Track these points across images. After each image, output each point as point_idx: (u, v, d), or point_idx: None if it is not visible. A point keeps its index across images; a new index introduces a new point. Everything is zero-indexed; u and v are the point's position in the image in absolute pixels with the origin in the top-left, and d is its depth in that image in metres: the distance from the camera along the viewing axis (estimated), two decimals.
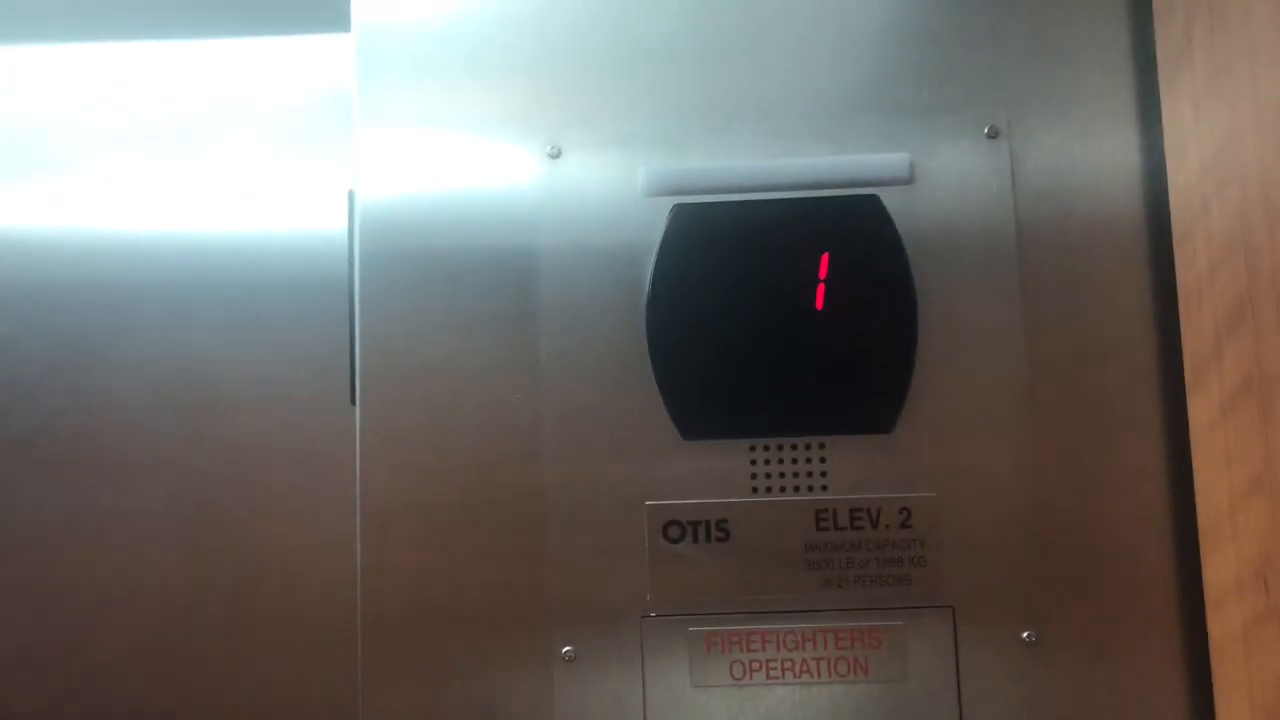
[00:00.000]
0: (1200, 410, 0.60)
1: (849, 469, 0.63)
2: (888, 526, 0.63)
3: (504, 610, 0.63)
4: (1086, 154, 0.65)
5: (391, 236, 0.66)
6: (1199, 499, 0.60)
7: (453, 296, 0.65)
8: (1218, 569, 0.59)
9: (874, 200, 0.64)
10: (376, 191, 0.66)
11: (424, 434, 0.64)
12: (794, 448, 0.64)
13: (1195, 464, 0.60)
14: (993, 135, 0.65)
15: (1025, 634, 0.62)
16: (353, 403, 0.65)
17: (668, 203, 0.65)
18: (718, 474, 0.64)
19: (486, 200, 0.66)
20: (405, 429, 0.64)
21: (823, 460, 0.64)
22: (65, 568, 0.71)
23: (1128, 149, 0.65)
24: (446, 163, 0.66)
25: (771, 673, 0.62)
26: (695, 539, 0.63)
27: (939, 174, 0.65)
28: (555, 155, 0.66)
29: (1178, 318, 0.62)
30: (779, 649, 0.62)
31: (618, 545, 0.63)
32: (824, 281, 0.64)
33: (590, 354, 0.64)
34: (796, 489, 0.63)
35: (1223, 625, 0.58)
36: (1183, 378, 0.61)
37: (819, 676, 0.62)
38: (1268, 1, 0.51)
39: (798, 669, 0.62)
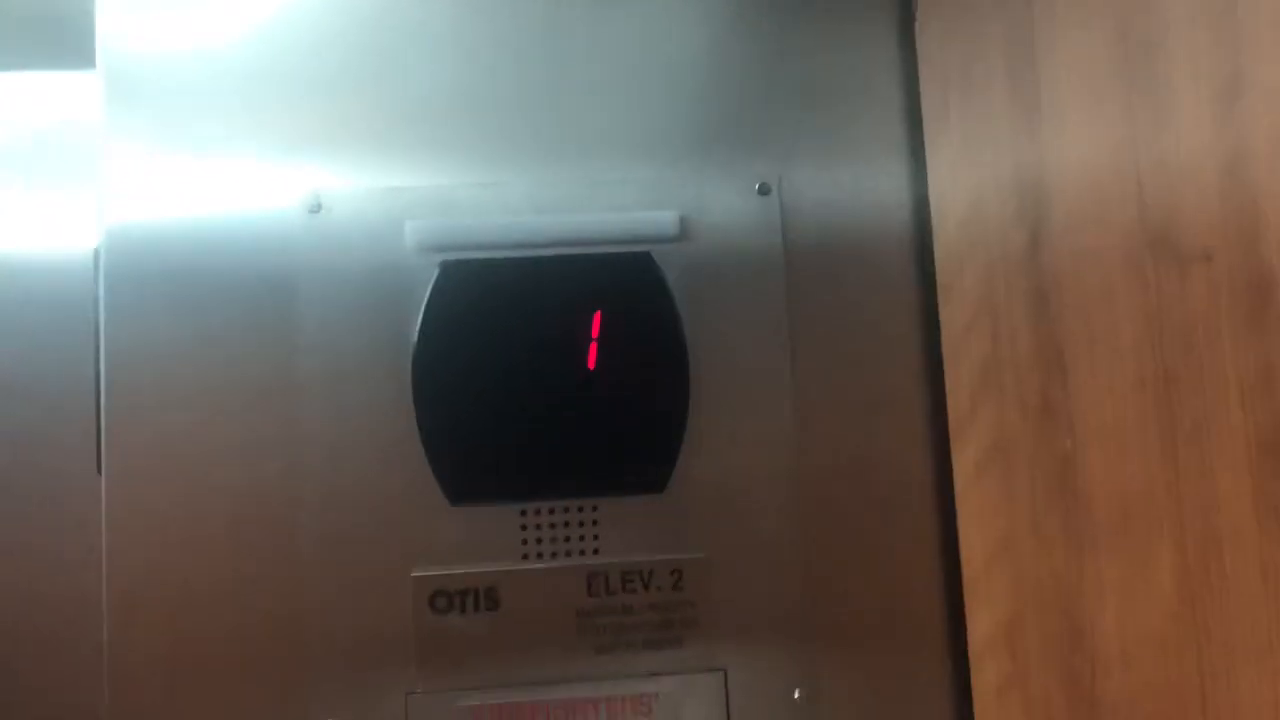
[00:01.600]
0: (961, 469, 0.61)
1: (620, 531, 0.62)
2: (659, 589, 0.62)
3: (263, 691, 0.60)
4: (857, 208, 0.65)
5: (141, 294, 0.62)
6: (963, 556, 0.61)
7: (206, 358, 0.62)
8: (978, 625, 0.59)
9: (645, 258, 0.63)
10: (125, 246, 0.62)
11: (173, 505, 0.61)
12: (565, 510, 0.62)
13: (959, 521, 0.61)
14: (764, 191, 0.65)
15: (796, 692, 0.62)
16: (99, 472, 0.61)
17: (436, 259, 0.63)
18: (487, 540, 0.62)
19: (244, 255, 0.63)
20: (153, 500, 0.61)
21: (595, 523, 0.62)
22: None
23: (898, 204, 0.65)
24: (199, 216, 0.63)
25: None
26: (463, 609, 0.61)
27: (711, 230, 0.64)
28: (316, 209, 0.63)
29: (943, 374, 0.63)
30: (550, 719, 0.61)
31: (382, 618, 0.61)
32: (596, 340, 0.63)
33: (353, 416, 0.62)
34: (568, 553, 0.62)
35: (982, 681, 0.59)
36: (948, 433, 0.62)
37: None
38: (1004, 80, 0.52)
39: None
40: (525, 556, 0.62)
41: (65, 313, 0.71)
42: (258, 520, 0.61)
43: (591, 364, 0.62)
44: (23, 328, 0.73)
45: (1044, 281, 0.48)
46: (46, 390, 0.72)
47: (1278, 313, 0.31)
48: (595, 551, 0.62)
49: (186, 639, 0.60)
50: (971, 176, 0.58)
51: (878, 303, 0.65)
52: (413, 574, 0.61)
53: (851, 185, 0.65)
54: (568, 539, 0.62)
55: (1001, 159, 0.53)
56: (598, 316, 0.63)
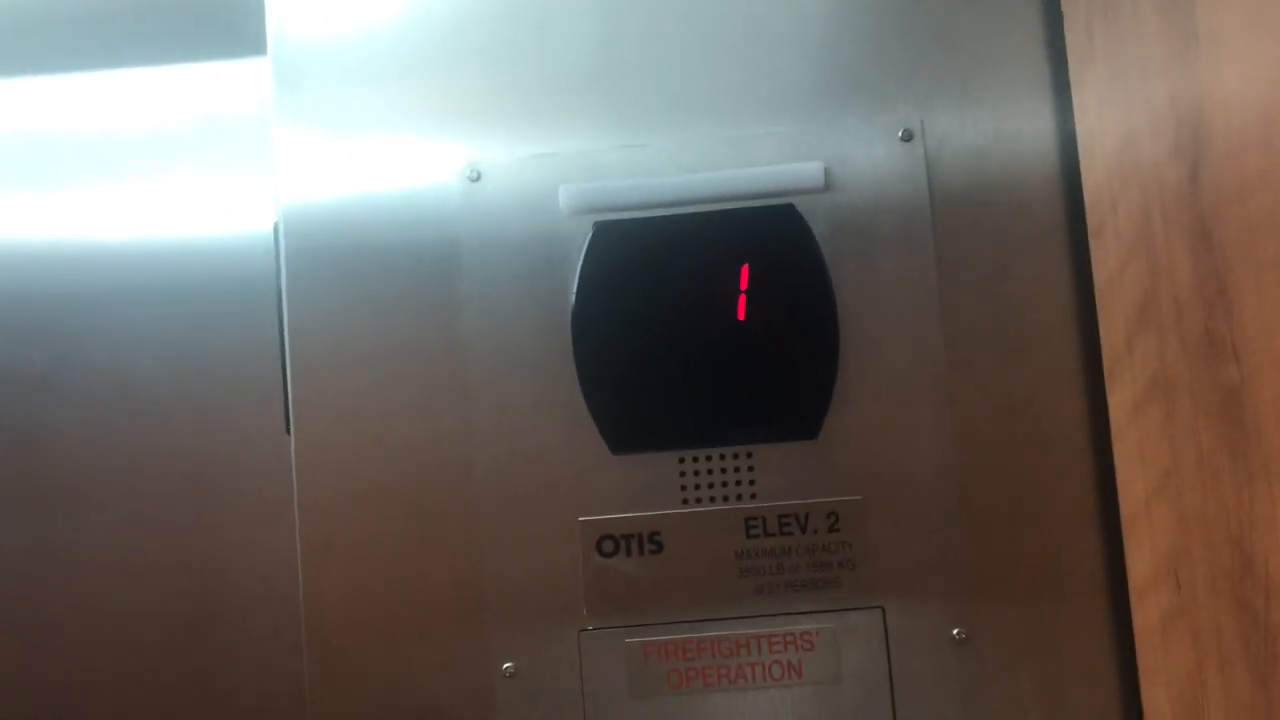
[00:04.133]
0: (1118, 407, 0.60)
1: (776, 476, 0.64)
2: (816, 531, 0.64)
3: (443, 629, 0.64)
4: (1002, 152, 0.65)
5: (317, 268, 0.66)
6: (1120, 494, 0.61)
7: (380, 324, 0.66)
8: (1138, 563, 0.59)
9: (790, 210, 0.65)
10: (301, 225, 0.67)
11: (358, 461, 0.65)
12: (722, 458, 0.65)
13: (1116, 459, 0.61)
14: (907, 138, 0.65)
15: (955, 631, 0.63)
16: (288, 433, 0.66)
17: (588, 221, 0.66)
18: (648, 487, 0.65)
19: (409, 227, 0.66)
20: (340, 457, 0.65)
21: (750, 469, 0.64)
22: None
23: (1043, 146, 0.65)
24: (368, 192, 0.67)
25: (708, 680, 0.64)
26: (628, 552, 0.64)
27: (854, 179, 0.65)
28: (475, 179, 0.66)
29: (1096, 313, 0.63)
30: (714, 656, 0.64)
31: (553, 561, 0.64)
32: (744, 292, 0.65)
33: (518, 374, 0.65)
34: (726, 498, 0.64)
35: (1144, 617, 0.59)
36: (1102, 372, 0.62)
37: (754, 681, 0.64)
38: (1154, 8, 0.51)
39: (733, 675, 0.64)
40: (685, 501, 0.64)
41: (245, 289, 0.76)
42: (434, 474, 0.65)
43: (742, 315, 0.64)
44: (206, 306, 0.78)
45: (1204, 214, 0.48)
46: (231, 362, 0.77)
47: None
48: (752, 496, 0.64)
49: (375, 586, 0.65)
50: (1121, 112, 0.57)
51: (1026, 244, 0.65)
52: (579, 519, 0.64)
53: (995, 127, 0.65)
54: (725, 484, 0.64)
55: (1154, 92, 0.53)
56: (746, 269, 0.65)
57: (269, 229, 0.68)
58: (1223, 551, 0.49)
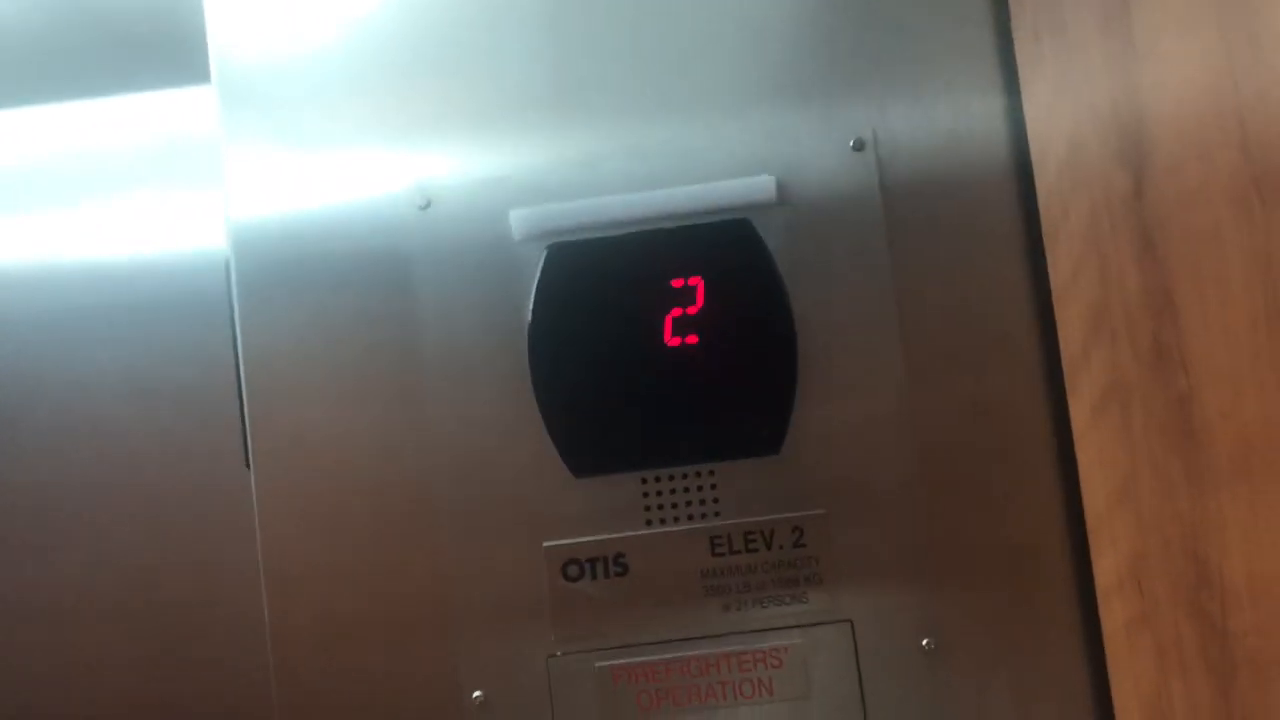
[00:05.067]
0: (1078, 412, 0.60)
1: (740, 493, 0.64)
2: (781, 546, 0.64)
3: (411, 657, 0.64)
4: (955, 157, 0.65)
5: (269, 288, 0.66)
6: (1085, 498, 0.61)
7: (336, 346, 0.65)
8: (1103, 568, 0.59)
9: (744, 224, 0.64)
10: (252, 246, 0.66)
11: (319, 490, 0.65)
12: (684, 476, 0.64)
13: (1079, 465, 0.61)
14: (858, 148, 0.65)
15: (925, 641, 0.63)
16: (247, 466, 0.65)
17: (542, 243, 0.65)
18: (611, 509, 0.64)
19: (360, 256, 0.66)
20: (300, 486, 0.65)
21: (713, 487, 0.64)
22: None
23: (996, 150, 0.65)
24: (319, 210, 0.66)
25: (679, 700, 0.63)
26: (594, 576, 0.64)
27: (807, 191, 0.65)
28: (424, 206, 0.66)
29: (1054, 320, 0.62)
30: (684, 676, 0.63)
31: (518, 587, 0.64)
32: (701, 309, 0.64)
33: (476, 398, 0.65)
34: (690, 517, 0.64)
35: (1111, 621, 0.59)
36: (1063, 378, 0.62)
37: (725, 700, 0.63)
38: (1095, 14, 0.51)
39: (704, 694, 0.63)
40: (649, 522, 0.64)
41: (201, 307, 0.75)
42: (396, 500, 0.65)
43: (698, 333, 0.64)
44: (161, 329, 0.77)
45: (1149, 223, 0.48)
46: (192, 381, 0.76)
47: None
48: (716, 514, 0.64)
49: (341, 614, 0.64)
50: (1069, 117, 0.57)
51: (983, 249, 0.64)
52: (544, 544, 0.64)
53: (948, 129, 0.65)
54: (689, 503, 0.64)
55: (1098, 98, 0.53)
56: (701, 286, 0.64)
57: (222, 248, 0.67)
58: (1179, 559, 0.49)
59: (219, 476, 0.72)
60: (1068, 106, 0.57)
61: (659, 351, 0.64)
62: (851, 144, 0.65)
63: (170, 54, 0.74)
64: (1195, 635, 0.49)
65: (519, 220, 0.65)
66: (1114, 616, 0.59)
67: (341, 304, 0.66)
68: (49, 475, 0.73)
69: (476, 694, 0.63)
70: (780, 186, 0.65)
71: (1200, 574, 0.47)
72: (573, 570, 0.64)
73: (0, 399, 0.74)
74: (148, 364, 0.74)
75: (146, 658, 0.71)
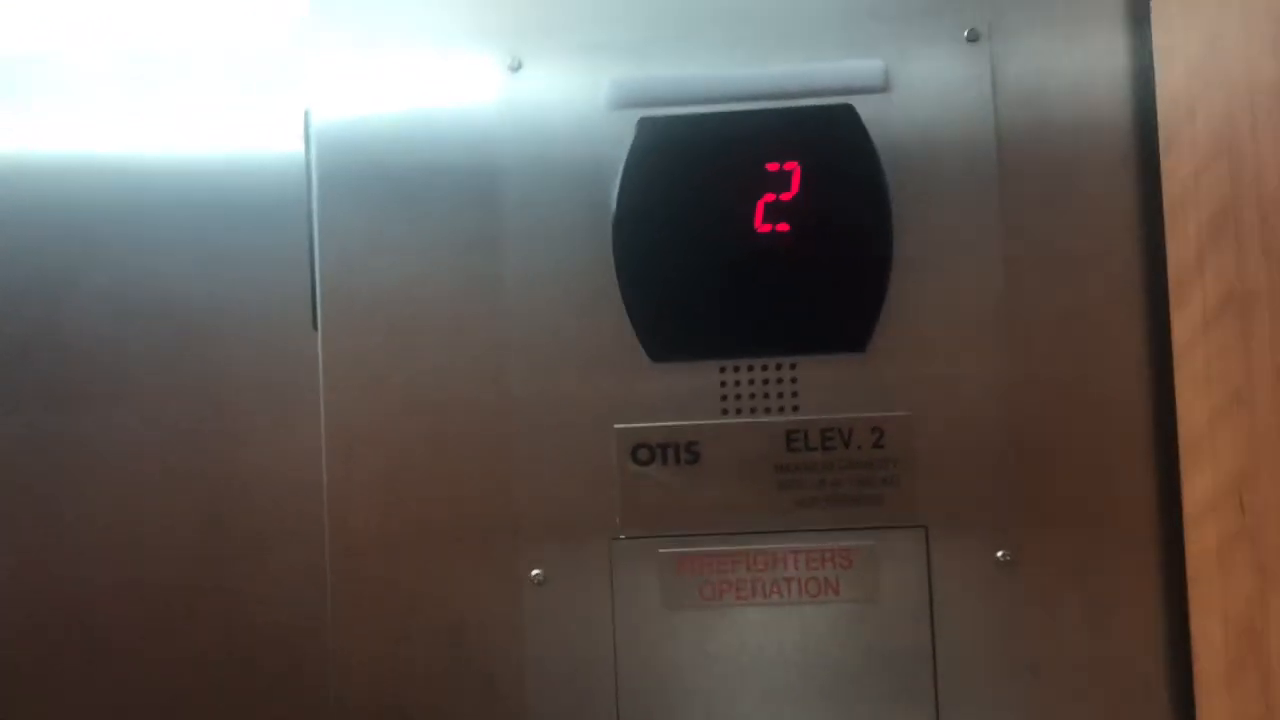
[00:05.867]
0: (1182, 325, 0.58)
1: (820, 389, 0.62)
2: (860, 447, 0.62)
3: (471, 534, 0.62)
4: (1071, 58, 0.62)
5: (349, 157, 0.64)
6: (1180, 416, 0.58)
7: (413, 217, 0.63)
8: (1196, 487, 0.57)
9: (848, 109, 0.62)
10: (332, 111, 0.64)
11: (387, 357, 0.63)
12: (764, 368, 0.62)
13: (1177, 380, 0.59)
14: (973, 39, 0.62)
15: (1000, 553, 0.61)
16: (314, 328, 0.64)
17: (634, 116, 0.63)
18: (687, 396, 0.62)
19: (445, 117, 0.64)
20: (368, 352, 0.63)
21: (794, 380, 0.62)
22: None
23: (1114, 52, 0.62)
24: (402, 79, 0.64)
25: (741, 593, 0.62)
26: (665, 461, 0.62)
27: (916, 81, 0.62)
28: (515, 68, 0.63)
29: (1163, 229, 0.60)
30: (749, 570, 0.62)
31: (586, 468, 0.62)
32: (795, 197, 0.62)
33: (556, 275, 0.63)
34: (768, 410, 0.62)
35: (1200, 543, 0.57)
36: (1166, 292, 0.59)
37: (789, 596, 0.62)
38: None
39: (767, 589, 0.62)
40: (725, 412, 0.62)
41: (278, 193, 0.73)
42: (465, 376, 0.63)
43: (791, 222, 0.62)
44: (236, 214, 0.74)
45: None
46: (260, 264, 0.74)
47: None
48: (795, 409, 0.62)
49: (402, 486, 0.63)
50: (1209, 12, 0.54)
51: (1092, 157, 0.62)
52: (615, 427, 0.62)
53: (1066, 32, 0.62)
54: (767, 396, 0.62)
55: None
56: (798, 172, 0.62)
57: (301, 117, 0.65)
58: None
59: (282, 353, 0.70)
60: (1207, 3, 0.54)
61: (748, 237, 0.62)
62: (966, 34, 0.62)
63: None
64: None
65: (612, 87, 0.62)
66: (1204, 538, 0.57)
67: (423, 169, 0.63)
68: (110, 331, 0.71)
69: (536, 572, 0.62)
70: (888, 72, 0.62)
71: None
72: (643, 454, 0.62)
73: (60, 262, 0.72)
74: (216, 228, 0.72)
75: (195, 527, 0.70)
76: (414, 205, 0.63)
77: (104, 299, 0.72)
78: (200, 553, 0.70)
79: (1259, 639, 0.51)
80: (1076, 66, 0.62)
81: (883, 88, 0.62)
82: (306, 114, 0.64)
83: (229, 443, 0.71)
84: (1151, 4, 0.60)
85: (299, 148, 0.65)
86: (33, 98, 0.73)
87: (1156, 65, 0.60)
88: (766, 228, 0.62)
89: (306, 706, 0.68)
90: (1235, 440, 0.53)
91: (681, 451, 0.62)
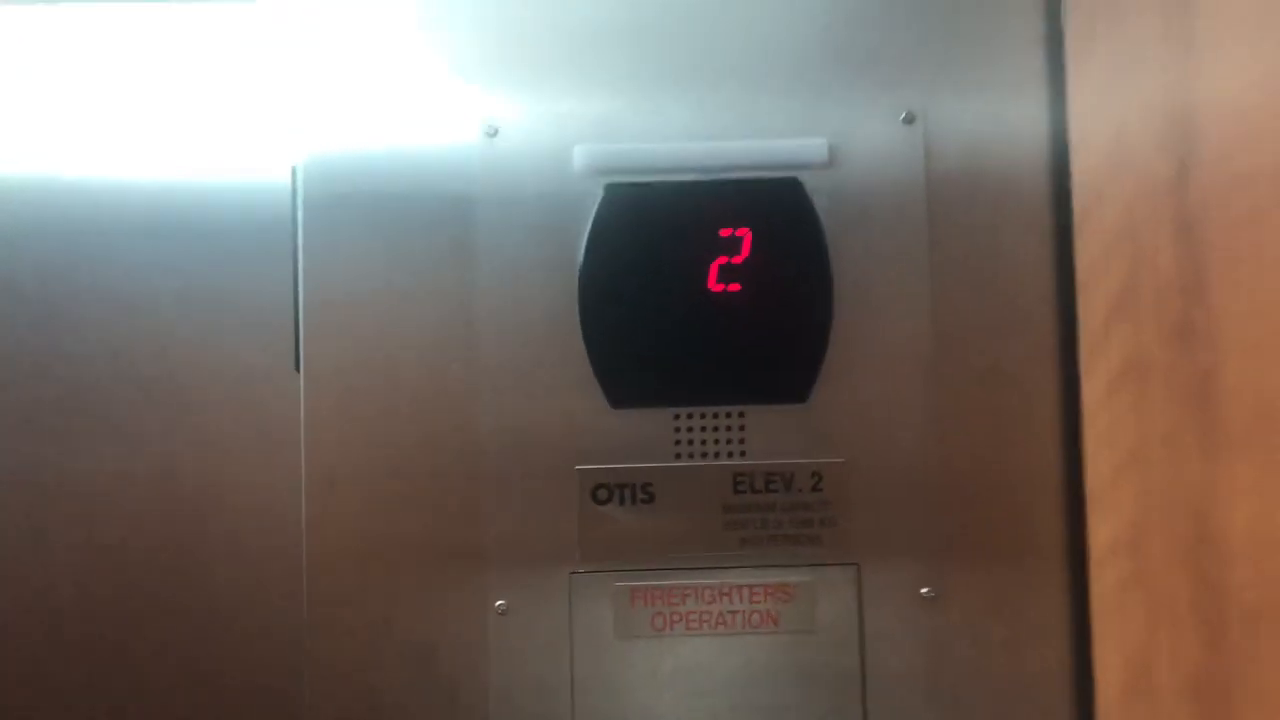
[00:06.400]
0: (1091, 389, 0.64)
1: (765, 436, 0.68)
2: (800, 490, 0.67)
3: (442, 567, 0.67)
4: (998, 141, 0.69)
5: (335, 211, 0.68)
6: (1088, 469, 0.65)
7: (394, 269, 0.68)
8: (1100, 532, 0.64)
9: (794, 183, 0.68)
10: (319, 169, 0.69)
11: (366, 399, 0.68)
12: (715, 416, 0.68)
13: (1085, 438, 0.65)
14: (908, 121, 0.68)
15: (924, 590, 0.67)
16: (296, 369, 0.68)
17: (601, 181, 0.68)
18: (644, 440, 0.68)
19: (426, 176, 0.69)
20: (348, 394, 0.68)
21: (741, 428, 0.68)
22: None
23: (1036, 135, 0.69)
24: (387, 141, 0.69)
25: (690, 624, 0.67)
26: (622, 501, 0.67)
27: (857, 157, 0.68)
28: (492, 134, 0.68)
29: (1076, 300, 0.66)
30: (697, 602, 0.67)
31: (549, 506, 0.67)
32: (746, 260, 0.68)
33: (525, 326, 0.68)
34: (717, 454, 0.68)
35: (1102, 584, 0.63)
36: (1077, 356, 0.66)
37: (734, 628, 0.67)
38: (1157, 9, 0.55)
39: (714, 621, 0.67)
40: (678, 456, 0.68)
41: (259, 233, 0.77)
42: (439, 417, 0.68)
43: (742, 283, 0.67)
44: (219, 245, 0.79)
45: (1190, 208, 0.52)
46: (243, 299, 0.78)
47: None
48: (742, 454, 0.68)
49: (378, 520, 0.67)
50: (1117, 106, 0.60)
51: (1014, 230, 0.68)
52: (577, 468, 0.67)
53: (992, 115, 0.69)
54: (717, 441, 0.68)
55: (1149, 89, 0.56)
56: (748, 238, 0.68)
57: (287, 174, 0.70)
58: (1181, 522, 0.53)
59: (263, 382, 0.74)
60: (1116, 96, 0.60)
61: (702, 296, 0.68)
62: (902, 117, 0.68)
63: None
64: (1189, 592, 0.53)
65: (582, 154, 0.68)
66: (1105, 580, 0.63)
67: (404, 222, 0.68)
68: (96, 361, 0.75)
69: (500, 602, 0.67)
70: (831, 150, 0.68)
71: (1201, 534, 0.51)
72: (602, 494, 0.67)
73: (43, 284, 0.76)
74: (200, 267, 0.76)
75: (171, 545, 0.74)
76: (393, 257, 0.68)
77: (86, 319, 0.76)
78: (180, 563, 0.74)
79: (1148, 670, 0.57)
80: (1002, 148, 0.69)
81: (826, 163, 0.68)
82: (294, 170, 0.69)
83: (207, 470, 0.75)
84: (1068, 94, 0.67)
85: (283, 190, 0.70)
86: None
87: (1071, 150, 0.67)
88: (719, 287, 0.68)
89: None
90: (1132, 494, 0.59)
91: (637, 492, 0.67)
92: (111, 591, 0.74)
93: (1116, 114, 0.61)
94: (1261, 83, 0.45)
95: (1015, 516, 0.67)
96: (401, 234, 0.68)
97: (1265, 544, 0.46)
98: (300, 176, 0.69)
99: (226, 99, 0.80)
